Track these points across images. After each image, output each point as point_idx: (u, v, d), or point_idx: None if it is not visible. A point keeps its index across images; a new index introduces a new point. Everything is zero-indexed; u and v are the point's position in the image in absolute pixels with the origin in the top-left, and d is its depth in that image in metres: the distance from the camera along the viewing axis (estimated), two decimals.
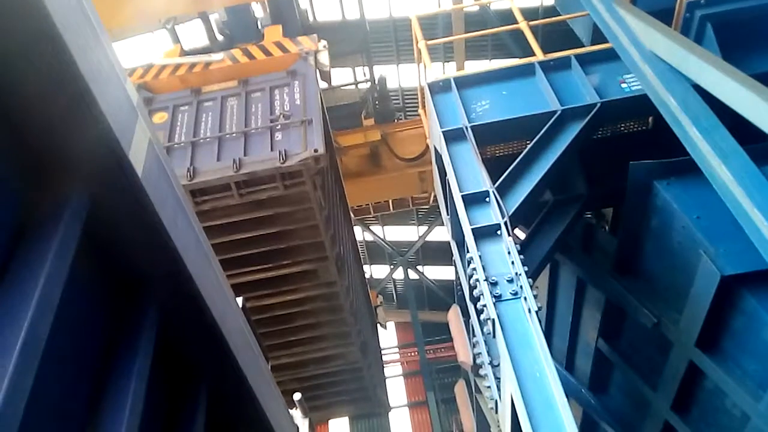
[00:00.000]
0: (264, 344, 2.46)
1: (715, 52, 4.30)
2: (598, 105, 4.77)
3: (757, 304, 3.98)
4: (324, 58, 7.35)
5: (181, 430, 1.78)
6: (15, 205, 1.25)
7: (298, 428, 3.32)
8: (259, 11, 9.31)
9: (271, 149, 6.20)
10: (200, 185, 6.21)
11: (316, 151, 5.97)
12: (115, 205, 1.43)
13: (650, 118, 5.41)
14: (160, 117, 7.09)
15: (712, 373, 4.44)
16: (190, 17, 11.87)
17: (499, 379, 4.29)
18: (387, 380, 14.21)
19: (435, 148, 5.33)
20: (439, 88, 5.14)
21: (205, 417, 1.89)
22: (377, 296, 13.08)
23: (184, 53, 8.29)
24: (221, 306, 1.84)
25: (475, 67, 15.12)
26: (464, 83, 5.14)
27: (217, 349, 1.84)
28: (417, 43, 5.65)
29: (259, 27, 8.75)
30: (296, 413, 3.48)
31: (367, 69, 12.73)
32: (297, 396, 3.63)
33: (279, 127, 6.42)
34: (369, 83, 12.68)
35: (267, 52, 7.42)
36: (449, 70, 15.21)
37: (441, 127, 4.84)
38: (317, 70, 7.26)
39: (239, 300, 2.30)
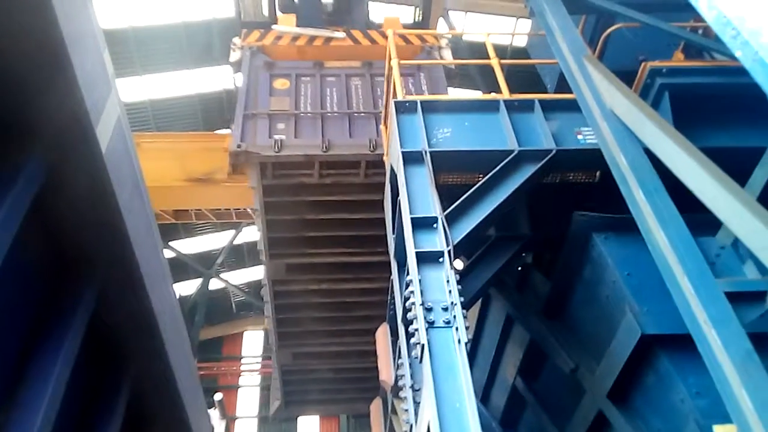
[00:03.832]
0: (198, 342, 2.38)
1: (668, 120, 4.51)
2: (554, 151, 4.90)
3: (670, 366, 4.16)
4: (447, 55, 7.43)
5: (97, 420, 1.70)
6: None
7: (213, 429, 3.23)
8: None
9: None
10: (333, 158, 6.39)
11: None
12: (73, 178, 1.35)
13: (598, 173, 5.59)
14: (282, 83, 7.38)
15: (618, 425, 4.60)
16: None
17: (419, 403, 4.31)
18: None
19: (391, 167, 5.35)
20: (405, 108, 5.16)
21: (125, 409, 1.81)
22: None
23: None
24: (162, 298, 1.77)
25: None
26: (430, 108, 5.17)
27: (149, 341, 1.77)
28: (390, 60, 5.68)
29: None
30: (214, 413, 3.39)
31: None
32: (218, 396, 3.53)
33: None
34: None
35: None
36: None
37: (401, 148, 4.86)
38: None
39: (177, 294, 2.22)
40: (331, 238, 7.33)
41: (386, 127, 6.16)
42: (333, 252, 7.58)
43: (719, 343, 2.79)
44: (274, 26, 8.11)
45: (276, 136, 6.66)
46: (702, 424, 3.82)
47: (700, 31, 5.30)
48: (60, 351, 1.41)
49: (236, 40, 8.02)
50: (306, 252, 7.73)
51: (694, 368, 3.83)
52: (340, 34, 7.79)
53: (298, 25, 8.11)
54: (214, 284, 20.14)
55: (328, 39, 7.76)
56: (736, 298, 3.04)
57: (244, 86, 7.44)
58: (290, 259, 8.07)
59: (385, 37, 7.48)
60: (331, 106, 7.06)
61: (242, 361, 21.57)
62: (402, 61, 5.70)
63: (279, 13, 9.37)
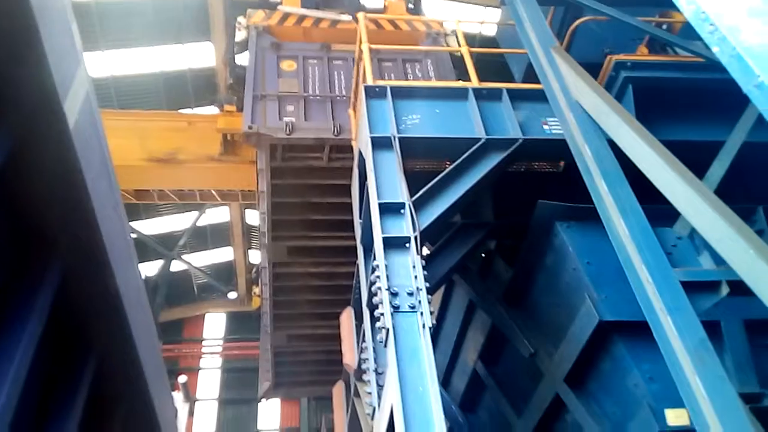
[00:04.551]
0: (159, 324, 2.36)
1: (631, 112, 4.61)
2: (520, 141, 4.96)
3: (626, 352, 4.29)
4: (453, 42, 7.42)
5: (60, 400, 1.67)
6: None
7: (177, 411, 3.21)
8: None
9: None
10: (344, 142, 6.43)
11: None
12: (39, 154, 1.32)
13: (562, 162, 5.69)
14: (289, 65, 7.39)
15: (574, 409, 4.73)
16: None
17: (382, 387, 4.35)
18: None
19: (360, 152, 5.34)
20: (375, 93, 5.14)
21: (88, 389, 1.79)
22: None
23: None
24: (127, 278, 1.74)
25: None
26: (399, 94, 5.16)
27: (115, 321, 1.75)
28: (361, 44, 5.65)
29: None
30: (178, 395, 3.36)
31: None
32: (182, 379, 3.51)
33: None
34: None
35: (395, 25, 7.48)
36: None
37: (370, 133, 4.85)
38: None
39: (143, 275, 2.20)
40: (334, 221, 7.41)
41: (355, 112, 6.14)
42: (335, 236, 7.67)
43: (674, 330, 2.89)
44: (279, 6, 8.08)
45: (286, 119, 6.70)
46: (655, 408, 3.96)
47: (664, 26, 5.42)
48: (23, 330, 1.38)
49: (241, 19, 8.04)
50: (309, 235, 7.82)
51: (649, 355, 3.96)
52: (347, 17, 7.80)
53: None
54: (176, 266, 19.86)
55: (335, 22, 7.78)
56: (691, 287, 3.15)
57: (251, 66, 7.40)
58: (292, 241, 8.16)
59: (391, 22, 7.51)
60: (339, 90, 7.12)
61: (204, 343, 21.38)
62: (372, 46, 5.68)
63: None
